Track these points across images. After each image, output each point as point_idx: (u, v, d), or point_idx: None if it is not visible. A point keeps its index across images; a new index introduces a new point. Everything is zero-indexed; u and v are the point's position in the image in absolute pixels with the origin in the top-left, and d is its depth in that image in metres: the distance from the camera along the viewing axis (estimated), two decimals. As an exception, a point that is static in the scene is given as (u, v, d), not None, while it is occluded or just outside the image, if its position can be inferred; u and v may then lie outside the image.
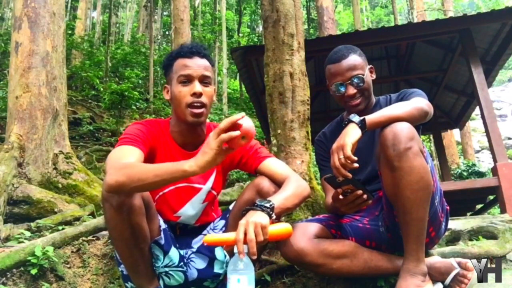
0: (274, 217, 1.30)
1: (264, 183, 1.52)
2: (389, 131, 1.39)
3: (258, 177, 1.56)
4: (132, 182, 1.24)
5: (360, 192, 1.42)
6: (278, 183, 1.55)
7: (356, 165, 1.35)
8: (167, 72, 1.64)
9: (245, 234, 1.21)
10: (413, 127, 1.41)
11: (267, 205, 1.31)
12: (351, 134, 1.39)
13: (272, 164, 1.61)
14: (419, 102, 1.54)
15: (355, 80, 1.69)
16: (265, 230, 1.24)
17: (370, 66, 1.80)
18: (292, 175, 1.56)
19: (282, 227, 1.34)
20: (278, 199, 1.38)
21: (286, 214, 2.25)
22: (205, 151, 1.21)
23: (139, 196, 1.38)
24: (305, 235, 1.52)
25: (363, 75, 1.70)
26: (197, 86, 1.53)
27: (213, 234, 1.30)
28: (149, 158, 1.54)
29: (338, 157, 1.36)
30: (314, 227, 1.57)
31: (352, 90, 1.69)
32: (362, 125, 1.42)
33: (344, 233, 1.61)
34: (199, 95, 1.52)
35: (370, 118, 1.44)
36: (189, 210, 1.63)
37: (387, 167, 1.41)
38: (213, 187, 1.67)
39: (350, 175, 1.37)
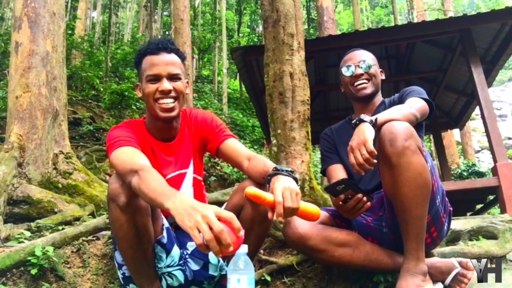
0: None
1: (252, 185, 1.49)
2: (387, 129, 1.40)
3: (246, 180, 1.55)
4: (142, 195, 1.25)
5: (360, 195, 1.43)
6: (237, 162, 1.57)
7: (375, 160, 1.34)
8: (138, 70, 1.64)
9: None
10: (411, 126, 1.42)
11: (295, 175, 1.34)
12: (368, 131, 1.39)
13: (234, 144, 1.63)
14: (412, 107, 1.57)
15: (364, 63, 1.83)
16: (298, 198, 1.24)
17: (381, 69, 1.94)
18: (257, 155, 1.57)
19: (312, 206, 1.32)
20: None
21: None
22: (188, 220, 1.04)
23: None
24: None
25: (373, 63, 1.85)
26: (164, 83, 1.53)
27: (255, 188, 1.26)
28: None
29: (360, 153, 1.35)
30: None
31: (359, 70, 1.83)
32: (373, 124, 1.42)
33: (349, 225, 1.63)
34: (167, 92, 1.54)
35: (380, 118, 1.46)
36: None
37: (386, 165, 1.42)
38: (194, 171, 1.69)
39: (372, 168, 1.36)
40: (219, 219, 1.04)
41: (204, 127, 1.70)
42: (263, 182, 1.42)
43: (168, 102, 1.54)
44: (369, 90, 1.83)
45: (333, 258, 1.53)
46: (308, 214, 1.30)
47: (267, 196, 1.25)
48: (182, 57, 1.64)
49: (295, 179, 1.33)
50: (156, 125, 1.63)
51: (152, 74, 1.54)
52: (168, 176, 1.61)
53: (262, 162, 1.48)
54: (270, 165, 1.43)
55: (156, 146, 1.64)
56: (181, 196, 1.13)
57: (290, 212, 1.22)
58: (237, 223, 1.05)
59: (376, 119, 1.44)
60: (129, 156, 1.41)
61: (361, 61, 1.84)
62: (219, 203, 2.00)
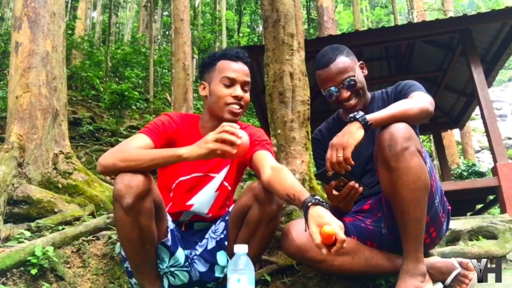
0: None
1: (261, 187, 1.49)
2: (386, 132, 1.38)
3: (255, 180, 1.56)
4: (125, 164, 1.35)
5: (352, 183, 1.42)
6: (258, 171, 1.53)
7: (349, 167, 1.36)
8: (206, 70, 1.71)
9: None
10: (410, 127, 1.40)
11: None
12: (355, 136, 1.36)
13: (264, 154, 1.60)
14: (423, 101, 1.51)
15: (347, 83, 1.65)
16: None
17: (360, 62, 1.75)
18: (283, 167, 1.53)
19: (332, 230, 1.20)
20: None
21: (285, 215, 2.24)
22: (201, 145, 1.34)
23: (150, 199, 1.39)
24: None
25: (354, 76, 1.66)
26: (238, 90, 1.62)
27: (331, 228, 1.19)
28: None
29: (336, 154, 1.35)
30: None
31: (346, 93, 1.67)
32: (366, 125, 1.39)
33: (347, 232, 1.60)
34: (240, 98, 1.61)
35: (375, 117, 1.40)
36: (202, 197, 1.66)
37: (384, 168, 1.41)
38: (225, 179, 1.69)
39: (343, 171, 1.37)
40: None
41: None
42: (286, 199, 1.36)
43: (237, 107, 1.62)
44: (360, 106, 1.69)
45: (333, 267, 1.52)
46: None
47: (338, 234, 1.19)
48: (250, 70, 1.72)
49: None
50: (213, 124, 1.63)
51: (230, 78, 1.62)
52: (194, 175, 1.65)
53: (290, 178, 1.41)
54: (299, 187, 1.36)
55: None
56: (182, 147, 1.38)
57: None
58: (233, 130, 1.32)
59: (371, 121, 1.39)
60: (129, 141, 1.50)
61: (344, 81, 1.64)
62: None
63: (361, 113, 1.41)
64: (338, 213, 1.67)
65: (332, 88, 1.68)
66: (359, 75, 1.70)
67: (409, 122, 1.42)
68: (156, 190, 1.44)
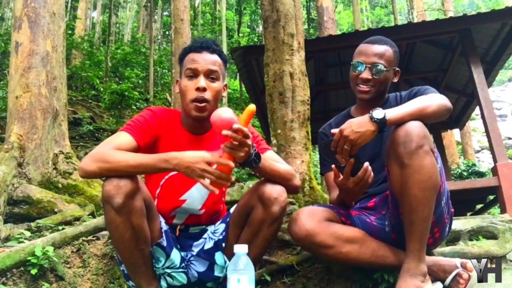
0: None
1: (266, 188, 1.48)
2: (401, 129, 1.39)
3: (259, 181, 1.54)
4: (110, 173, 1.34)
5: (367, 164, 1.45)
6: None
7: (343, 160, 1.43)
8: (180, 67, 1.68)
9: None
10: (425, 125, 1.40)
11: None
12: (366, 137, 1.39)
13: (271, 157, 1.61)
14: (440, 99, 1.51)
15: (375, 68, 1.69)
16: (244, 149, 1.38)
17: (398, 69, 1.79)
18: (292, 169, 1.60)
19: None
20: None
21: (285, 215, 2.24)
22: (192, 175, 1.35)
23: (140, 197, 1.38)
24: (316, 216, 1.53)
25: (386, 68, 1.70)
26: (201, 81, 1.55)
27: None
28: (154, 145, 1.58)
29: (343, 146, 1.39)
30: (324, 211, 1.58)
31: (367, 75, 1.70)
32: (381, 125, 1.40)
33: (353, 223, 1.62)
34: (202, 89, 1.54)
35: (393, 116, 1.41)
36: (195, 193, 1.63)
37: (397, 164, 1.41)
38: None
39: (346, 158, 1.44)
40: (211, 164, 1.34)
41: None
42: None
43: (201, 104, 1.55)
44: (368, 95, 1.72)
45: (341, 255, 1.52)
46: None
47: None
48: (225, 60, 1.66)
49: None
50: (188, 121, 1.63)
51: (192, 68, 1.57)
52: None
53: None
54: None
55: (185, 137, 1.64)
56: (172, 157, 1.36)
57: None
58: (223, 162, 1.35)
59: (389, 120, 1.40)
60: (111, 141, 1.47)
61: (374, 64, 1.68)
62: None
63: (381, 112, 1.41)
64: (344, 206, 1.68)
65: (361, 62, 1.71)
66: (390, 74, 1.74)
67: (427, 119, 1.43)
68: (144, 188, 1.43)
